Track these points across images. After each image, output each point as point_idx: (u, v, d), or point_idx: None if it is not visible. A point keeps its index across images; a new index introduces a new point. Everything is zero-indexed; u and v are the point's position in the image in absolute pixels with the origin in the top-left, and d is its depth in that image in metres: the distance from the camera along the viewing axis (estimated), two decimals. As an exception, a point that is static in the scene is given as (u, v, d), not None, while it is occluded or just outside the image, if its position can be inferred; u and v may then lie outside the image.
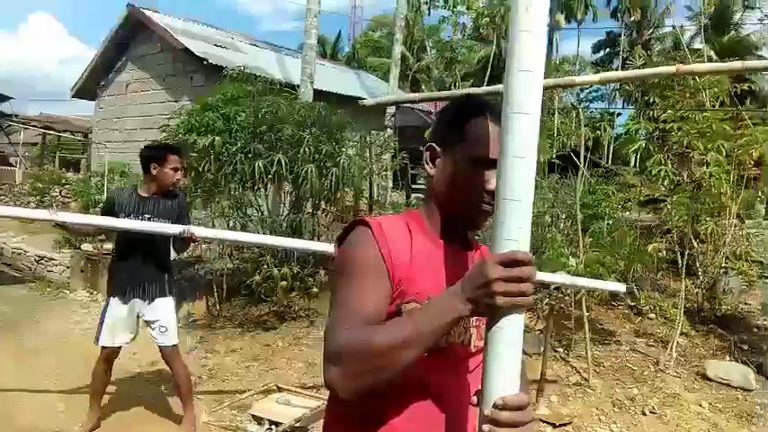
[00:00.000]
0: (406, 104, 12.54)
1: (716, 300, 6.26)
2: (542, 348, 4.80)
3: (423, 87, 24.07)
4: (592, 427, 4.20)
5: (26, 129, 20.08)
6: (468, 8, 14.40)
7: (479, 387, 1.05)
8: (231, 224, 6.26)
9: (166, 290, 3.76)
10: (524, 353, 1.06)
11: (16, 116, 20.46)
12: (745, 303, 6.54)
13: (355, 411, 1.15)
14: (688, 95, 6.10)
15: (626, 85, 14.04)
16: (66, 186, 13.53)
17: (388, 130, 11.09)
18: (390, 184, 10.81)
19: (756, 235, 6.49)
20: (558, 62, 21.82)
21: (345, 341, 1.03)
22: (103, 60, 14.45)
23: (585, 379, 4.86)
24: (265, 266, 5.97)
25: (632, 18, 30.15)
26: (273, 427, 3.56)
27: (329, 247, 4.74)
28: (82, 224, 3.80)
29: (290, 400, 3.85)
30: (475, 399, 1.07)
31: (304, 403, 3.80)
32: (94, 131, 15.68)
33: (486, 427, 0.99)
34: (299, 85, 9.56)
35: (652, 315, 6.25)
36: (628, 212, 7.67)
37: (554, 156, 7.07)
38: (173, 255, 3.90)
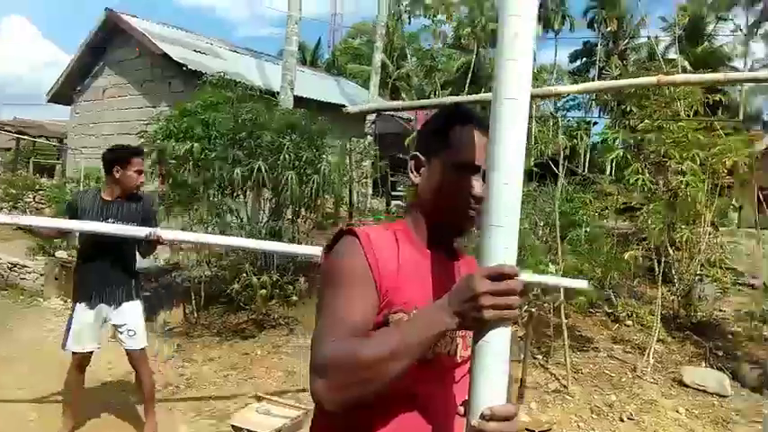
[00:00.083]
0: (386, 112, 12.57)
1: (691, 307, 6.36)
2: (522, 355, 4.82)
3: (402, 95, 24.15)
4: (571, 433, 4.22)
5: (-1, 133, 19.74)
6: (448, 18, 14.52)
7: (466, 397, 1.05)
8: (210, 231, 6.21)
9: (133, 293, 3.72)
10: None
11: (-11, 120, 20.11)
12: (720, 310, 6.65)
13: (341, 423, 1.13)
14: (663, 105, 6.21)
15: (603, 94, 14.24)
16: (41, 192, 13.27)
17: (369, 137, 11.12)
18: (370, 191, 10.82)
19: (730, 243, 6.61)
20: (536, 71, 22.08)
21: (331, 353, 1.02)
22: (80, 65, 14.28)
23: (564, 386, 4.89)
24: (244, 275, 5.92)
25: (608, 28, 30.70)
26: (253, 437, 3.52)
27: (298, 249, 4.74)
28: (47, 227, 3.75)
29: (270, 409, 3.81)
30: (462, 409, 1.06)
31: (284, 413, 3.77)
32: (70, 137, 15.45)
33: None
34: (279, 92, 9.54)
35: (629, 322, 6.32)
36: (605, 220, 7.76)
37: (532, 164, 7.13)
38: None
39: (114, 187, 3.65)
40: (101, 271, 3.60)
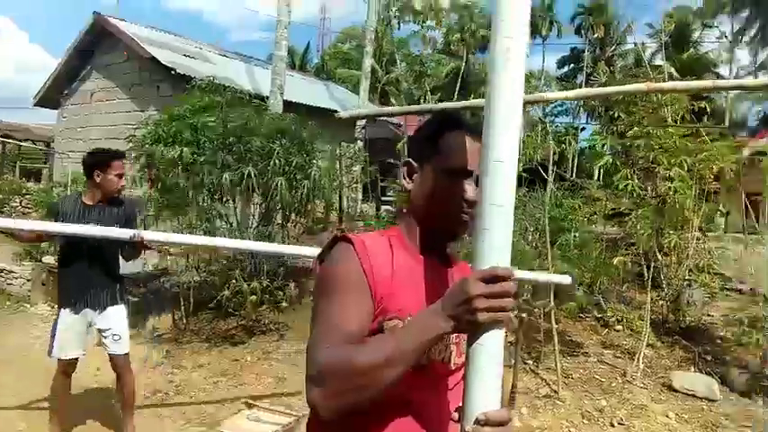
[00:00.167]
0: (378, 117, 12.59)
1: (680, 311, 6.39)
2: (513, 361, 4.83)
3: (392, 100, 24.19)
4: (562, 439, 4.23)
5: (-16, 137, 19.52)
6: (437, 24, 14.59)
7: (460, 404, 1.05)
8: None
9: (117, 297, 3.70)
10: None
11: (-26, 124, 19.91)
12: (708, 315, 6.69)
13: (336, 430, 1.12)
14: (651, 111, 6.26)
15: (590, 100, 14.34)
16: (27, 197, 13.15)
17: (359, 142, 11.13)
18: (360, 196, 10.82)
19: (718, 248, 6.66)
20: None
21: (326, 360, 1.02)
22: (67, 68, 14.19)
23: (555, 391, 4.90)
24: (234, 281, 5.88)
25: (596, 35, 30.96)
26: (243, 444, 3.49)
27: (278, 248, 4.73)
28: (27, 231, 3.71)
29: (260, 416, 3.78)
30: (456, 415, 1.06)
31: (275, 420, 3.74)
32: (57, 141, 15.33)
33: None
34: (268, 96, 9.52)
35: (618, 327, 6.35)
36: (594, 225, 7.80)
37: (521, 169, 7.15)
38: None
39: (95, 191, 3.62)
40: (83, 275, 3.57)
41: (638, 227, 5.94)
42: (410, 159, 1.31)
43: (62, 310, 3.62)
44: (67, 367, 3.64)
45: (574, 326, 6.42)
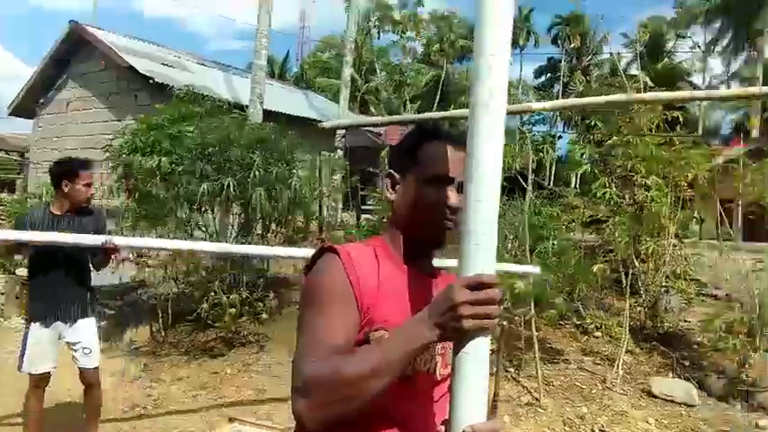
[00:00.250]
0: (362, 127, 12.59)
1: (658, 318, 6.46)
2: (494, 369, 4.83)
3: (372, 109, 24.28)
4: (544, 446, 4.24)
5: (-44, 147, 19.15)
6: (417, 35, 14.69)
7: (445, 416, 1.05)
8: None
9: (88, 309, 3.65)
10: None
11: (-55, 134, 19.51)
12: (685, 321, 6.77)
13: (321, 444, 1.11)
14: (627, 120, 6.35)
15: (569, 110, 14.51)
16: (0, 208, 12.90)
17: (339, 151, 11.11)
18: (341, 205, 10.79)
19: (694, 255, 6.75)
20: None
21: (312, 371, 1.01)
22: (43, 77, 13.96)
23: (537, 398, 4.92)
24: (213, 293, 5.80)
25: (572, 45, 31.46)
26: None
27: (259, 250, 4.69)
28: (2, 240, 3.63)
29: (242, 431, 3.74)
30: (442, 428, 1.06)
31: (256, 432, 3.70)
32: (32, 151, 15.07)
33: None
34: (248, 105, 9.48)
35: (598, 333, 6.39)
36: (572, 233, 7.87)
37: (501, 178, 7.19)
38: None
39: (63, 201, 3.57)
40: (53, 287, 3.51)
41: (616, 234, 6.01)
42: (392, 171, 1.31)
43: (32, 324, 3.55)
44: (39, 382, 3.57)
45: (554, 333, 6.45)
